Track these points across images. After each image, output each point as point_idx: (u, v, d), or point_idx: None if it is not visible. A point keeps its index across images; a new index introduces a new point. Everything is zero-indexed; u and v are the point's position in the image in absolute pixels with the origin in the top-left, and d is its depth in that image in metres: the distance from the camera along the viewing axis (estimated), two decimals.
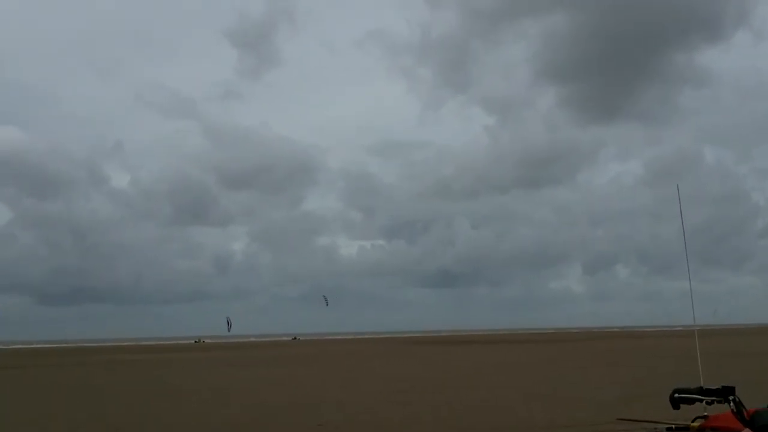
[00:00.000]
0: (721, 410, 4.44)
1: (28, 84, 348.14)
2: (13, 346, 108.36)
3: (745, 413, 4.26)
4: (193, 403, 19.36)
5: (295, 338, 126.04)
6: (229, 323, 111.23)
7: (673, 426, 4.74)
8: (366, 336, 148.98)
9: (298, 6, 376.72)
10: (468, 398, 18.23)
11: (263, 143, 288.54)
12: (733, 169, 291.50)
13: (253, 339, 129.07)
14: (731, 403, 4.27)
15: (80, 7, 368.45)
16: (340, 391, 21.64)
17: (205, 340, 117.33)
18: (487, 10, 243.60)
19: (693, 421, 4.63)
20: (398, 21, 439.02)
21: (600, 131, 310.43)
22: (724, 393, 4.31)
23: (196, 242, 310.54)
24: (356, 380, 26.40)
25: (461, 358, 42.95)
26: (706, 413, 4.59)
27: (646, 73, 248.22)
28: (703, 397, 4.41)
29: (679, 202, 5.59)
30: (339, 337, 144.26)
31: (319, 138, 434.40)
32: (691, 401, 4.47)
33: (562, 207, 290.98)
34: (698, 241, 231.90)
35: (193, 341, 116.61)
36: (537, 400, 17.26)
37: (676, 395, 4.52)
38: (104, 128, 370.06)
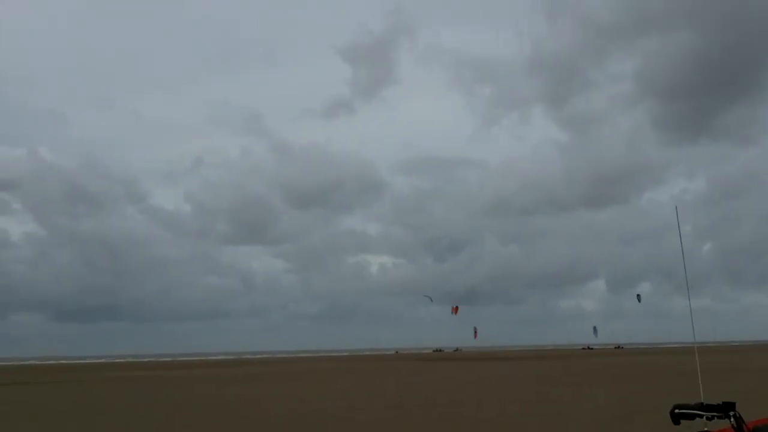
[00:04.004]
0: (722, 426, 4.44)
1: (102, 102, 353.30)
2: (30, 362, 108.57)
3: (745, 429, 4.26)
4: (199, 418, 19.28)
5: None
6: None
7: None
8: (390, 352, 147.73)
9: (405, 22, 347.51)
10: (468, 415, 18.14)
11: (322, 160, 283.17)
12: None
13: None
14: (731, 419, 4.27)
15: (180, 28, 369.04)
16: (342, 407, 21.55)
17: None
18: (607, 25, 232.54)
19: None
20: (507, 36, 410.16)
21: (683, 150, 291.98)
22: (725, 408, 4.30)
23: (231, 260, 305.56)
24: (364, 396, 26.28)
25: (465, 375, 42.77)
26: (706, 429, 4.58)
27: (743, 92, 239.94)
28: (703, 413, 4.40)
29: (678, 224, 5.63)
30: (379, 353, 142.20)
31: (383, 153, 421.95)
32: (692, 417, 4.46)
33: (616, 226, 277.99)
34: (735, 259, 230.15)
35: None
36: (537, 417, 17.18)
37: (677, 411, 4.51)
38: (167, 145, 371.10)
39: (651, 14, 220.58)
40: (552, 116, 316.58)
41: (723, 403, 4.34)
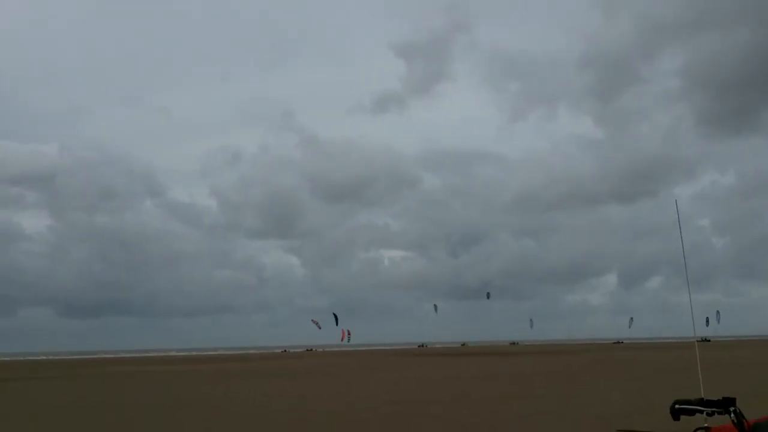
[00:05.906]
0: (722, 422, 4.42)
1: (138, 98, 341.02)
2: (40, 357, 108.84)
3: (745, 424, 4.24)
4: (198, 415, 19.32)
5: None
6: None
7: None
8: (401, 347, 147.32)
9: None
10: (468, 413, 18.15)
11: (353, 155, 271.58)
12: None
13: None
14: (732, 415, 4.25)
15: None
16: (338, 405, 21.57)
17: None
18: (665, 21, 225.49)
19: None
20: (558, 32, 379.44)
21: (721, 145, 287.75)
22: (725, 404, 4.28)
23: (254, 255, 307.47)
24: (365, 391, 26.32)
25: (468, 370, 42.83)
26: (706, 424, 4.56)
27: None
28: (703, 408, 4.38)
29: (678, 218, 5.60)
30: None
31: (424, 148, 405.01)
32: (692, 412, 4.44)
33: (638, 220, 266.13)
34: (752, 253, 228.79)
35: None
36: (537, 414, 17.18)
37: (677, 406, 4.49)
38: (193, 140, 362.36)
39: (712, 9, 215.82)
40: (591, 111, 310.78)
41: (723, 398, 4.32)
